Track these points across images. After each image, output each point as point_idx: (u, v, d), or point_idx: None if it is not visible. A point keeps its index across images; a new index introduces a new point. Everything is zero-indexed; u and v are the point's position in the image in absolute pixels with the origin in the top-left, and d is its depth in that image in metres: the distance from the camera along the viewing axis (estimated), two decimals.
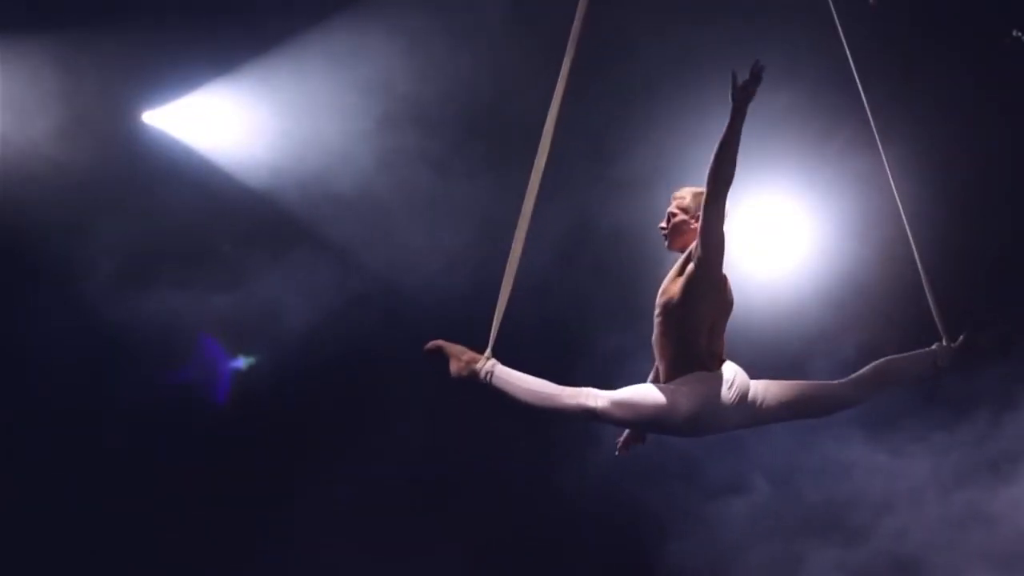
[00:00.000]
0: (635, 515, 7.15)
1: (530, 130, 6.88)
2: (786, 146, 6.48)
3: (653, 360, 4.18)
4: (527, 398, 3.68)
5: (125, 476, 7.03)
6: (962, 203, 6.86)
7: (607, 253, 7.14)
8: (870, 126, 4.13)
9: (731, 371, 3.89)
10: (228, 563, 7.04)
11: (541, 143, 3.99)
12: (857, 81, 4.17)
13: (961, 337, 4.17)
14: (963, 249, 6.90)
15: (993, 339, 4.19)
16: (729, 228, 3.83)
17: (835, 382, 4.06)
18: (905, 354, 4.14)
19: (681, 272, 3.89)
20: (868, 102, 4.20)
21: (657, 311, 3.90)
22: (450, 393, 7.05)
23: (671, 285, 3.89)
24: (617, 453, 4.41)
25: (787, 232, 6.90)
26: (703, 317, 3.86)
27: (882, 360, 4.09)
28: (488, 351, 3.67)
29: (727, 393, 3.83)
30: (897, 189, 4.26)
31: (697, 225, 3.86)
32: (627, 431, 4.33)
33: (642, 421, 3.82)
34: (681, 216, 4.00)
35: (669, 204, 4.07)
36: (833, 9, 4.17)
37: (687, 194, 4.04)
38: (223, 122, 7.19)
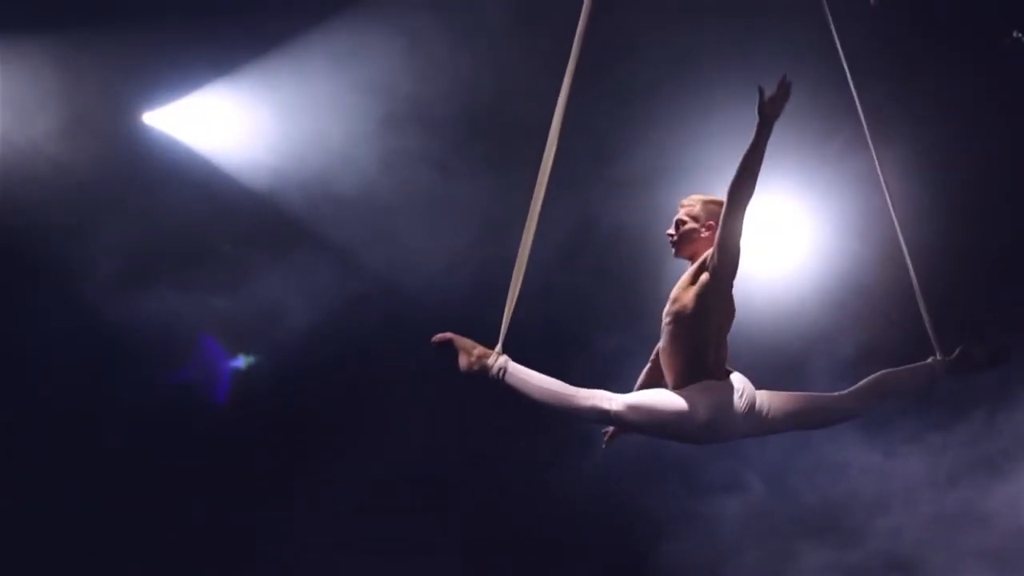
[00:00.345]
0: (631, 515, 7.16)
1: (531, 130, 6.87)
2: (786, 146, 6.45)
3: (648, 361, 4.24)
4: (541, 396, 3.65)
5: (125, 476, 7.03)
6: (962, 203, 6.88)
7: (608, 253, 7.14)
8: (871, 124, 4.12)
9: (740, 381, 3.92)
10: (228, 562, 7.04)
11: (549, 138, 4.01)
12: (851, 83, 4.19)
13: (957, 351, 4.24)
14: (963, 249, 6.92)
15: (988, 353, 4.25)
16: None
17: (834, 394, 4.11)
18: (902, 367, 4.20)
19: (693, 281, 3.89)
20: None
21: (668, 319, 3.91)
22: (450, 393, 7.12)
23: (683, 294, 3.89)
24: (604, 445, 4.40)
25: (787, 232, 6.91)
26: (714, 326, 3.89)
27: (880, 373, 4.15)
28: (499, 347, 3.64)
29: (738, 402, 3.86)
30: (893, 199, 4.35)
31: (707, 234, 3.94)
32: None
33: (656, 425, 3.81)
34: (691, 224, 4.01)
35: (677, 211, 4.08)
36: (828, 12, 4.14)
37: (697, 202, 4.05)
38: (224, 123, 7.18)
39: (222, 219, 7.21)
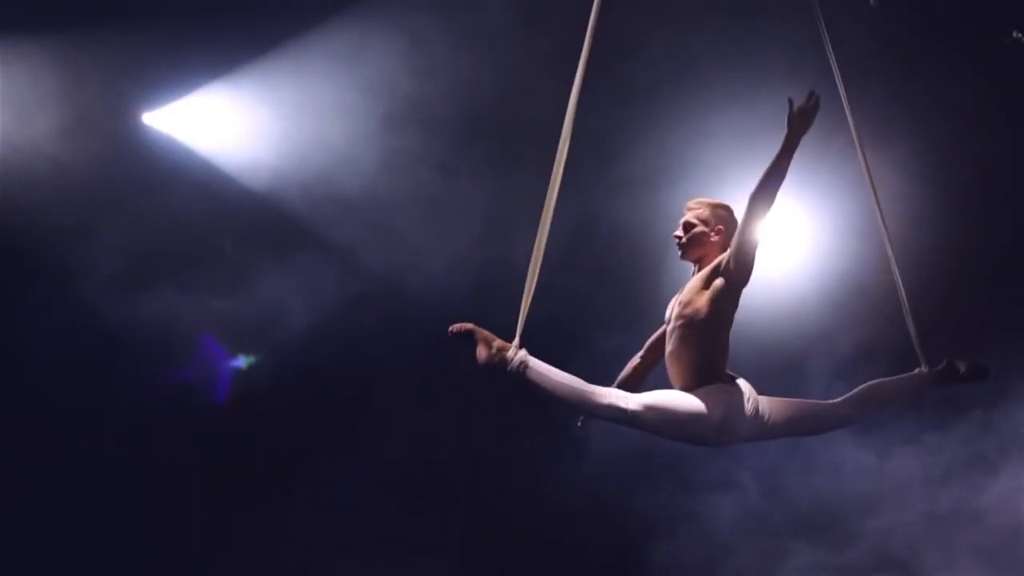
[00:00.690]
0: (626, 514, 7.16)
1: (532, 130, 6.91)
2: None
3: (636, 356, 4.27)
4: (558, 392, 3.64)
5: (124, 475, 7.03)
6: (962, 203, 6.89)
7: (608, 253, 7.15)
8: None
9: (746, 386, 3.97)
10: (228, 561, 7.05)
11: (563, 130, 4.07)
12: (840, 85, 4.20)
13: (943, 363, 4.31)
14: (963, 249, 6.93)
15: (971, 368, 4.33)
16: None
17: (829, 402, 4.17)
18: (891, 378, 4.27)
19: (706, 285, 3.92)
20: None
21: (680, 322, 3.93)
22: (447, 393, 7.14)
23: (696, 298, 3.91)
24: (579, 424, 4.36)
25: (787, 231, 6.91)
26: (724, 330, 3.92)
27: (870, 383, 4.21)
28: (516, 340, 3.63)
29: (747, 405, 3.91)
30: (883, 213, 4.40)
31: (716, 238, 3.99)
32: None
33: (670, 426, 3.82)
34: (700, 228, 4.03)
35: (683, 213, 4.10)
36: (820, 15, 4.15)
37: (705, 206, 4.08)
38: (224, 123, 7.18)
39: (222, 219, 7.21)
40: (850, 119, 4.28)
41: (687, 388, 3.90)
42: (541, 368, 3.64)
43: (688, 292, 3.96)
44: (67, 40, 6.79)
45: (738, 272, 3.84)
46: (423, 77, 6.93)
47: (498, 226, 7.05)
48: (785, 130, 3.83)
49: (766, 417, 3.98)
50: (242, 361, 7.37)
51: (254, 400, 7.27)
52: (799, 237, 7.02)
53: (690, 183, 6.46)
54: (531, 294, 3.73)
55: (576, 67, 4.02)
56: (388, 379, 7.20)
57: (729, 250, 3.89)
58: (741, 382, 3.97)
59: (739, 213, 4.12)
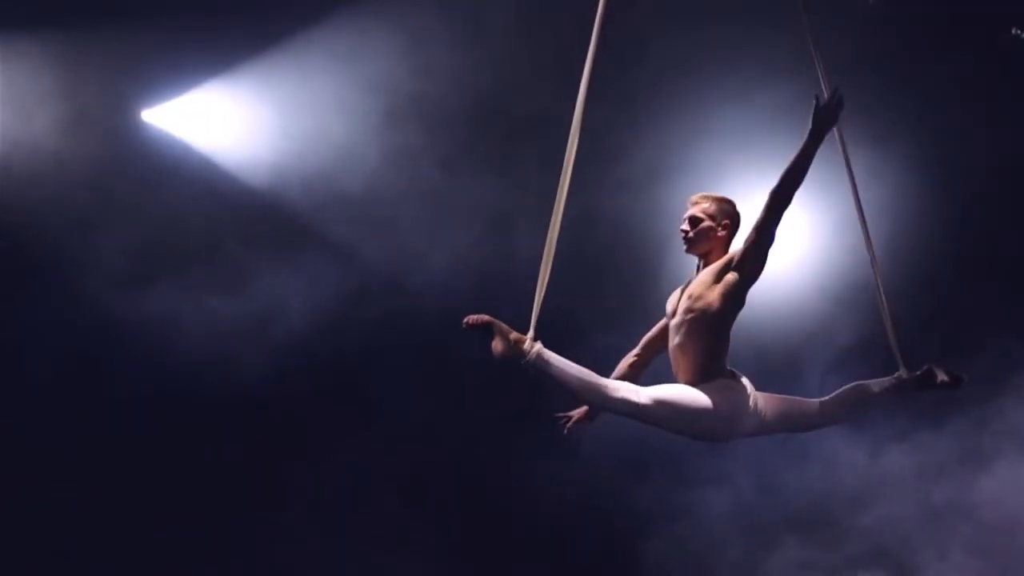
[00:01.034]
0: (619, 510, 7.17)
1: (533, 127, 6.92)
2: (786, 141, 6.48)
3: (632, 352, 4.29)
4: (573, 384, 3.66)
5: (123, 472, 7.03)
6: (962, 199, 6.90)
7: (609, 249, 7.15)
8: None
9: (747, 382, 4.01)
10: (226, 558, 7.05)
11: (572, 129, 4.10)
12: (823, 82, 4.20)
13: (923, 369, 4.34)
14: (962, 245, 6.94)
15: (949, 376, 4.37)
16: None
17: (816, 400, 4.20)
18: (873, 380, 4.30)
19: (717, 279, 3.94)
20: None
21: (689, 316, 3.95)
22: (448, 390, 7.15)
23: (707, 292, 3.94)
24: (565, 432, 4.41)
25: (786, 227, 6.91)
26: (730, 325, 3.96)
27: (853, 384, 4.25)
28: (531, 332, 3.64)
29: (750, 402, 3.96)
30: (867, 227, 4.41)
31: (723, 233, 4.03)
32: (584, 408, 4.35)
33: (678, 421, 3.85)
34: (708, 223, 4.05)
35: (688, 207, 4.11)
36: (805, 14, 4.16)
37: (711, 201, 4.10)
38: (224, 120, 7.17)
39: (222, 216, 7.19)
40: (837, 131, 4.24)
41: (693, 382, 3.92)
42: (556, 360, 3.66)
43: (698, 286, 3.97)
44: (67, 37, 6.78)
45: (753, 268, 3.90)
46: (424, 74, 6.92)
47: (499, 223, 7.05)
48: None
49: (763, 413, 4.01)
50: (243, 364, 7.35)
51: (254, 398, 7.28)
52: (798, 232, 7.03)
53: (690, 180, 6.47)
54: (544, 287, 3.76)
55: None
56: (388, 376, 7.21)
57: (743, 245, 3.92)
58: (744, 379, 4.00)
59: (741, 208, 4.17)
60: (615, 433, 6.71)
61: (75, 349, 6.99)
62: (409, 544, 7.14)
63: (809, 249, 7.07)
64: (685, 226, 4.08)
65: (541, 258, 3.83)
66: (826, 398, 4.21)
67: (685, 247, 4.09)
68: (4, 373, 6.98)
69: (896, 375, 4.30)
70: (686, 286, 4.09)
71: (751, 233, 3.90)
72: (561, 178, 3.92)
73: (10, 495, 6.81)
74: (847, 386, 4.24)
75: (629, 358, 4.31)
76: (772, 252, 4.00)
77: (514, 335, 3.62)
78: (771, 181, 4.29)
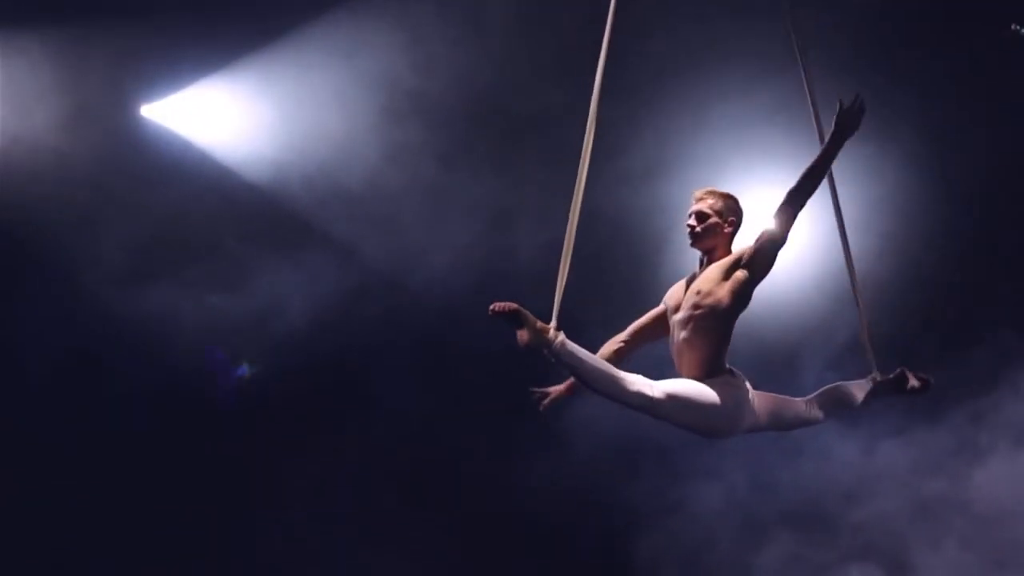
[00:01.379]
0: (612, 504, 7.19)
1: (534, 123, 6.92)
2: (786, 136, 6.49)
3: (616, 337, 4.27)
4: (592, 375, 3.66)
5: (122, 468, 7.04)
6: (962, 195, 6.90)
7: (608, 244, 7.16)
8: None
9: (745, 379, 4.03)
10: (225, 553, 7.07)
11: (588, 121, 4.16)
12: (804, 80, 4.23)
13: (895, 372, 4.39)
14: (960, 241, 6.94)
15: (919, 379, 4.43)
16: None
17: (801, 400, 4.23)
18: (851, 382, 4.35)
19: (725, 277, 3.96)
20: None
21: (698, 311, 3.96)
22: (449, 388, 7.15)
23: (716, 288, 3.95)
24: (541, 408, 4.39)
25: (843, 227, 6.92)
26: (735, 322, 3.99)
27: (832, 384, 4.30)
28: (554, 323, 3.63)
29: (750, 398, 3.99)
30: (844, 228, 4.42)
31: (728, 230, 4.05)
32: (563, 386, 4.34)
33: (687, 415, 3.86)
34: (715, 219, 4.06)
35: (694, 202, 4.11)
36: (788, 12, 4.17)
37: (718, 197, 4.11)
38: (223, 116, 7.16)
39: (222, 213, 7.19)
40: (813, 116, 4.29)
41: (698, 378, 3.93)
42: (578, 352, 3.65)
43: (707, 282, 3.98)
44: (66, 33, 6.77)
45: (763, 267, 3.92)
46: (423, 71, 6.92)
47: (499, 220, 7.05)
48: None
49: (758, 411, 4.04)
50: (245, 369, 7.37)
51: (254, 395, 7.28)
52: (797, 228, 7.02)
53: (690, 175, 6.47)
54: (565, 278, 3.76)
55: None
56: (388, 374, 7.21)
57: (755, 244, 3.94)
58: (742, 375, 4.02)
59: (743, 204, 4.18)
60: (607, 430, 6.75)
61: (74, 345, 6.99)
62: (406, 540, 7.16)
63: (808, 246, 7.06)
64: (692, 221, 4.08)
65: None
66: (809, 397, 4.23)
67: (690, 242, 4.10)
68: (4, 369, 6.98)
69: (870, 377, 4.35)
70: (690, 281, 4.10)
71: (764, 233, 3.92)
72: (579, 171, 4.00)
73: (10, 491, 6.82)
74: (827, 386, 4.28)
75: (614, 343, 4.29)
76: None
77: (539, 325, 3.59)
78: (770, 176, 4.31)
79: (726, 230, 4.06)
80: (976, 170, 6.89)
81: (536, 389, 4.38)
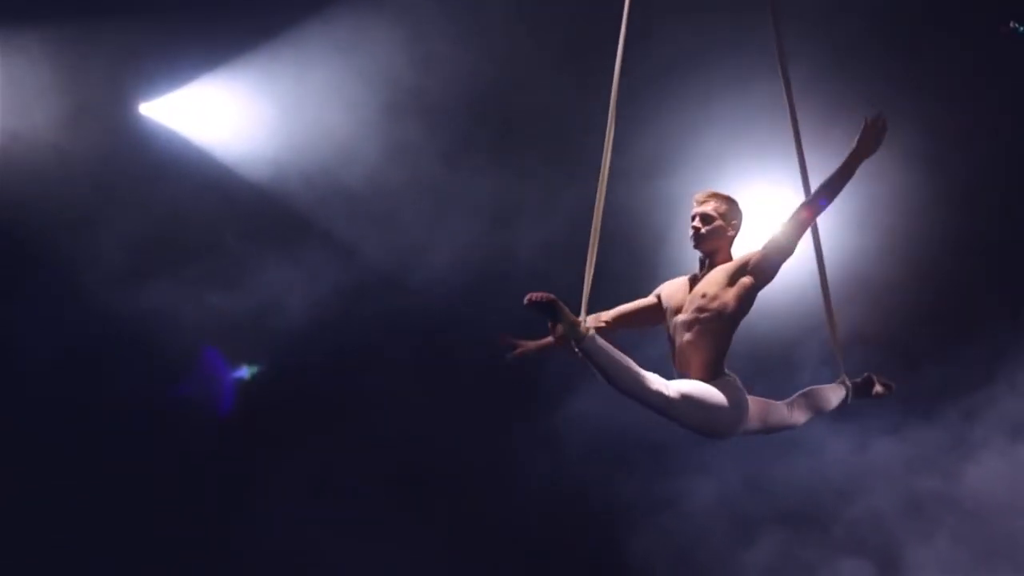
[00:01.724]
0: (604, 500, 7.20)
1: (535, 119, 6.92)
2: (785, 133, 6.49)
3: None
4: (616, 371, 3.66)
5: (121, 465, 7.03)
6: (960, 192, 6.91)
7: (608, 241, 7.14)
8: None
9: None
10: (224, 551, 7.07)
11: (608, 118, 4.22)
12: (782, 77, 4.27)
13: (862, 377, 4.46)
14: (959, 237, 6.96)
15: (883, 385, 4.48)
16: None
17: (781, 403, 4.26)
18: (824, 385, 4.39)
19: (731, 282, 3.99)
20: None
21: (705, 314, 3.99)
22: (448, 386, 7.14)
23: (723, 292, 3.99)
24: (510, 357, 4.37)
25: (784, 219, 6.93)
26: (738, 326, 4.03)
27: (808, 388, 4.34)
28: (583, 316, 3.63)
29: (748, 400, 4.03)
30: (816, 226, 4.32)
31: (731, 234, 4.10)
32: (542, 343, 4.35)
33: (697, 415, 3.88)
34: (720, 222, 4.10)
35: (697, 204, 4.14)
36: (772, 20, 4.23)
37: (722, 200, 4.14)
38: (222, 114, 7.16)
39: (221, 211, 7.19)
40: (789, 114, 4.33)
41: (703, 379, 3.96)
42: (605, 346, 3.66)
43: (712, 286, 4.01)
44: (64, 31, 6.77)
45: (768, 275, 3.98)
46: (424, 67, 6.92)
47: (500, 218, 7.05)
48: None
49: (751, 413, 4.08)
50: (245, 371, 7.36)
51: (254, 392, 7.28)
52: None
53: (689, 172, 6.49)
54: (592, 273, 3.78)
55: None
56: (389, 371, 7.21)
57: (763, 252, 3.99)
58: (737, 377, 4.06)
59: (742, 202, 4.19)
60: (599, 428, 6.76)
61: (73, 343, 6.97)
62: (403, 538, 7.16)
63: (805, 243, 7.07)
64: (697, 223, 4.11)
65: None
66: (788, 401, 4.27)
67: (693, 243, 4.12)
68: (2, 368, 6.97)
69: (840, 380, 4.40)
70: (692, 283, 4.13)
71: (771, 242, 3.97)
72: (601, 166, 4.09)
73: (8, 490, 6.82)
74: (803, 390, 4.32)
75: (595, 321, 4.26)
76: None
77: (572, 317, 3.59)
78: (770, 173, 4.31)
79: (729, 233, 4.11)
80: (973, 167, 6.91)
81: (509, 339, 4.36)
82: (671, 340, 4.12)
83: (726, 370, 4.03)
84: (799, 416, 4.25)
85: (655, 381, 3.75)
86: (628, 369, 3.68)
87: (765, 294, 6.74)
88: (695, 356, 3.99)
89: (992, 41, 6.59)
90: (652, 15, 6.74)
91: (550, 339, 4.16)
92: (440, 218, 7.13)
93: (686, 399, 3.81)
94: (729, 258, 4.13)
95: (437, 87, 6.96)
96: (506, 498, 7.23)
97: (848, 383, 4.42)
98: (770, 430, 4.27)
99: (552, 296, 3.55)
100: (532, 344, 4.36)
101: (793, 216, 3.94)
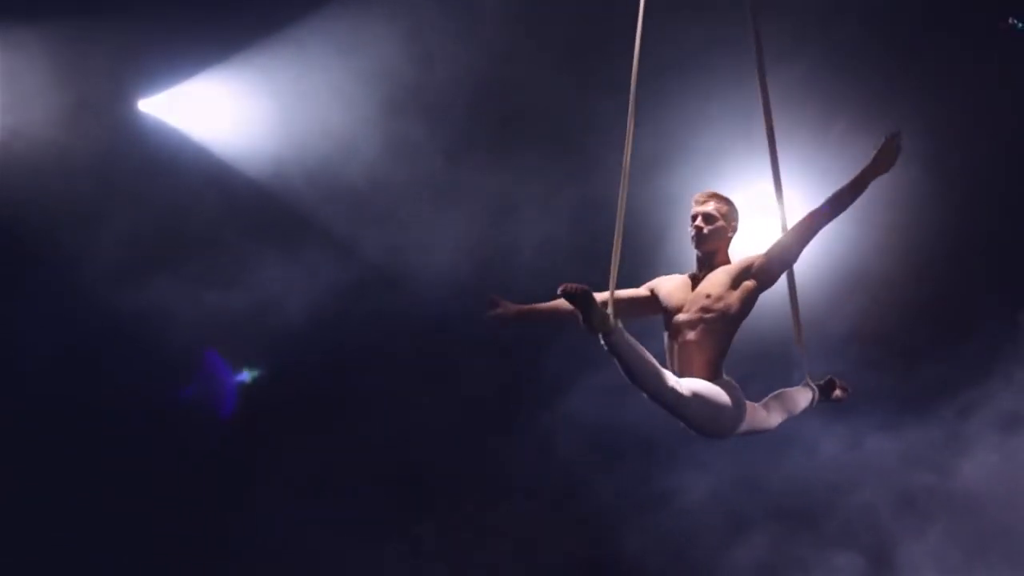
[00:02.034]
0: (601, 497, 7.24)
1: (535, 116, 6.91)
2: (785, 130, 6.50)
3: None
4: (640, 368, 3.67)
5: (119, 462, 7.06)
6: (958, 187, 6.92)
7: (607, 237, 7.15)
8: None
9: None
10: (224, 549, 7.09)
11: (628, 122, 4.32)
12: (758, 71, 4.33)
13: (824, 380, 4.50)
14: (957, 233, 6.97)
15: (842, 388, 4.53)
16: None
17: (759, 404, 4.29)
18: (793, 388, 4.43)
19: (734, 284, 4.02)
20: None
21: (709, 315, 4.02)
22: (448, 385, 7.15)
23: (727, 294, 4.01)
24: (490, 314, 4.38)
25: (784, 217, 6.93)
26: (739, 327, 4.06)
27: (779, 391, 4.39)
28: (611, 310, 3.64)
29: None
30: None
31: (731, 235, 4.13)
32: (520, 310, 4.39)
33: (703, 414, 3.90)
34: (722, 222, 4.13)
35: (698, 204, 4.16)
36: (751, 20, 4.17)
37: (723, 201, 4.17)
38: (221, 110, 7.15)
39: (220, 208, 7.18)
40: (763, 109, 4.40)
41: (707, 379, 3.98)
42: (631, 341, 3.68)
43: (716, 287, 4.04)
44: (63, 27, 6.75)
45: (771, 280, 4.03)
46: (424, 63, 6.92)
47: (501, 214, 7.05)
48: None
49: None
50: (247, 375, 7.37)
51: (253, 390, 7.29)
52: (795, 217, 7.03)
53: (689, 169, 6.49)
54: (617, 268, 3.81)
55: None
56: (388, 370, 7.22)
57: (766, 256, 4.02)
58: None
59: (741, 199, 4.21)
60: (592, 425, 6.77)
61: (71, 340, 6.98)
62: (400, 536, 7.20)
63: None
64: (699, 222, 4.13)
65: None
66: (763, 403, 4.30)
67: (695, 243, 4.14)
68: (1, 365, 6.96)
69: (805, 382, 4.44)
70: (695, 282, 4.14)
71: (776, 248, 4.01)
72: (623, 161, 4.15)
73: (7, 488, 6.83)
74: (773, 393, 4.36)
75: (548, 305, 4.33)
76: (772, 240, 4.08)
77: (603, 311, 3.60)
78: (769, 172, 4.32)
79: (728, 234, 4.14)
80: (970, 164, 6.92)
81: (496, 299, 4.37)
82: (670, 338, 4.13)
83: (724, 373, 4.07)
84: (775, 418, 4.29)
85: (671, 379, 3.78)
86: (651, 366, 3.70)
87: (765, 292, 6.78)
88: (698, 355, 4.01)
89: (991, 38, 6.60)
90: (651, 13, 6.75)
91: (531, 308, 4.23)
92: (440, 215, 7.13)
93: (697, 397, 3.83)
94: (727, 259, 4.15)
95: (437, 84, 6.96)
96: (505, 497, 7.24)
97: (813, 385, 4.45)
98: (751, 432, 4.30)
99: (586, 287, 3.56)
100: (513, 308, 4.37)
101: (799, 224, 3.97)
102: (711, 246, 4.12)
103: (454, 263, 7.03)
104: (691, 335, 4.03)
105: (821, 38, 6.09)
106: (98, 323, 6.98)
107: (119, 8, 6.76)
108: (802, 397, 4.41)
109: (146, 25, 6.83)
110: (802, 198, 6.92)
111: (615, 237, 3.84)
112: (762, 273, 4.01)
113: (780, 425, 4.35)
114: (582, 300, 3.52)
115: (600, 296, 4.06)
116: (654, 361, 3.73)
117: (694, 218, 4.14)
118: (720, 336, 4.00)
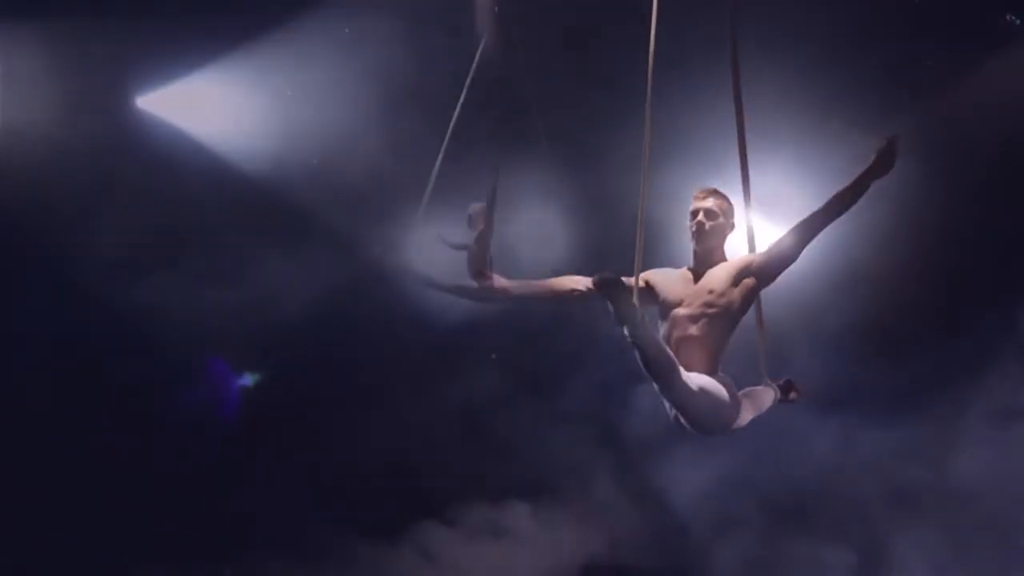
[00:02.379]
0: (598, 494, 7.31)
1: (536, 114, 6.91)
2: (785, 128, 6.54)
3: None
4: (658, 359, 3.67)
5: (118, 460, 7.08)
6: (957, 183, 6.95)
7: (606, 235, 7.18)
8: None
9: None
10: (224, 546, 7.12)
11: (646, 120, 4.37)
12: (732, 68, 4.45)
13: (783, 380, 4.51)
14: (956, 229, 7.01)
15: (796, 390, 4.53)
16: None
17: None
18: (757, 387, 4.42)
19: (735, 281, 4.05)
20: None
21: (712, 310, 4.04)
22: (447, 384, 7.16)
23: (729, 290, 4.04)
24: (470, 226, 4.43)
25: (783, 213, 6.97)
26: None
27: (747, 389, 4.37)
28: (635, 299, 3.65)
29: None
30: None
31: (730, 233, 4.16)
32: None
33: (707, 409, 3.92)
34: (723, 219, 4.16)
35: (698, 200, 4.18)
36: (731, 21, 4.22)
37: (722, 198, 4.20)
38: (220, 107, 7.16)
39: (218, 205, 7.19)
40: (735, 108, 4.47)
41: (707, 374, 4.01)
42: (654, 332, 3.71)
43: (718, 283, 4.06)
44: (61, 24, 6.76)
45: (771, 279, 4.06)
46: (423, 60, 6.92)
47: (501, 211, 7.05)
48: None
49: None
50: (248, 379, 7.38)
51: (256, 391, 7.31)
52: (792, 214, 7.06)
53: (689, 167, 6.50)
54: (641, 259, 3.82)
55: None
56: (387, 368, 7.24)
57: (767, 256, 4.05)
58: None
59: (739, 197, 4.24)
60: (585, 424, 6.79)
61: (69, 337, 6.99)
62: (398, 536, 7.20)
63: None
64: (701, 218, 4.14)
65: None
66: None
67: (696, 239, 4.15)
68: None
69: (766, 383, 4.45)
70: (695, 276, 4.15)
71: (776, 248, 4.02)
72: (643, 155, 4.20)
73: (5, 486, 6.84)
74: (743, 391, 4.32)
75: (519, 282, 4.50)
76: (770, 234, 4.11)
77: (634, 303, 3.59)
78: (769, 164, 4.37)
79: (727, 231, 4.17)
80: (965, 160, 6.95)
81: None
82: (668, 331, 4.13)
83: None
84: (747, 415, 4.29)
85: (683, 373, 3.79)
86: (668, 358, 3.72)
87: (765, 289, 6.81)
88: (698, 350, 4.03)
89: (991, 35, 6.63)
90: (650, 11, 6.78)
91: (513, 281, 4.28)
92: (440, 213, 7.13)
93: (704, 392, 3.87)
94: (724, 255, 4.18)
95: (436, 79, 6.96)
96: (504, 496, 7.28)
97: (774, 386, 4.45)
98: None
99: (622, 278, 3.56)
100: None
101: (799, 225, 3.97)
102: (711, 242, 4.14)
103: (454, 261, 7.04)
104: (693, 329, 4.05)
105: (819, 36, 6.11)
106: (96, 319, 6.99)
107: (117, 5, 6.76)
108: (767, 397, 4.42)
109: (144, 22, 6.84)
110: (798, 195, 7.04)
111: (638, 227, 3.84)
112: (762, 272, 4.04)
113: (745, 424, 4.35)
114: (616, 289, 3.50)
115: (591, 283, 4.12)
116: (671, 355, 3.74)
117: (695, 214, 4.15)
118: (721, 331, 4.03)
